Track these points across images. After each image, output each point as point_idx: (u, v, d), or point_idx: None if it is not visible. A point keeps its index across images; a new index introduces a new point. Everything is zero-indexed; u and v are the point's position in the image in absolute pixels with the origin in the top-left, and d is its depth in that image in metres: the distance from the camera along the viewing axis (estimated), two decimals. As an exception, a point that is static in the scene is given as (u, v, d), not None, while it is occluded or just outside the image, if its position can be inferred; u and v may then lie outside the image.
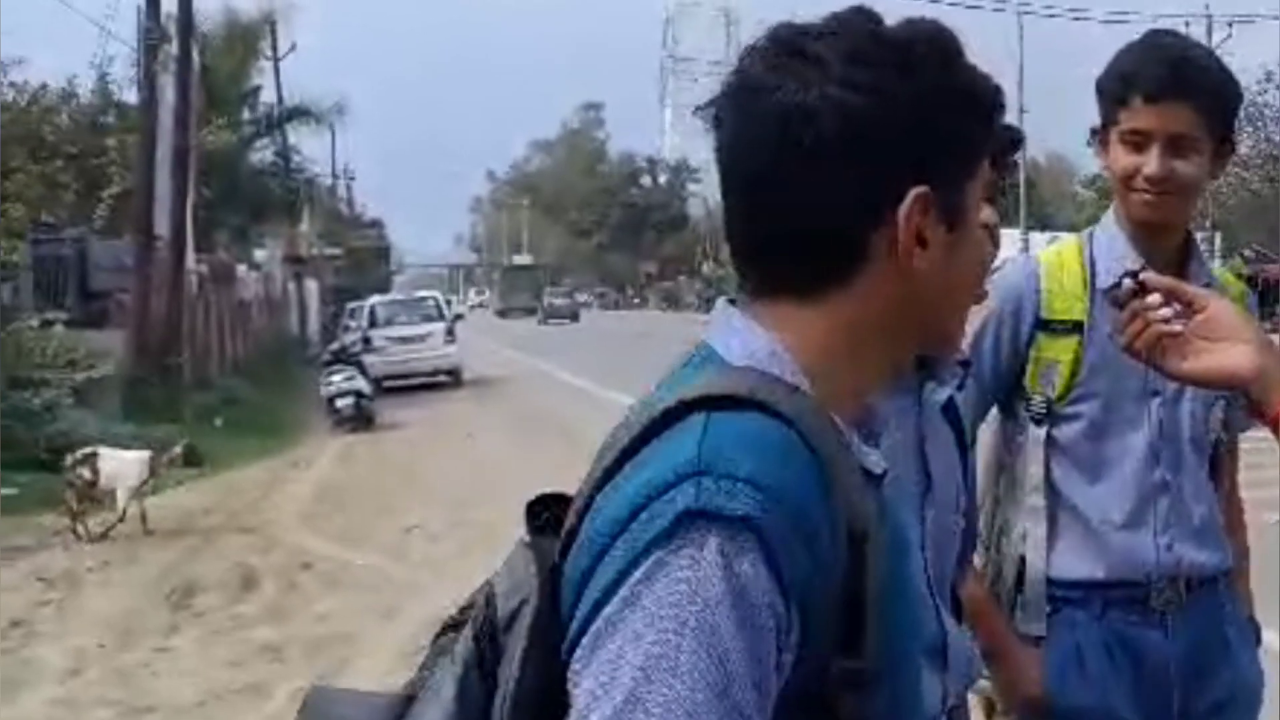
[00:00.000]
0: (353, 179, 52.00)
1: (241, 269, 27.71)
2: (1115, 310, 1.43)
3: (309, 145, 41.26)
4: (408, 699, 1.00)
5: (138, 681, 6.24)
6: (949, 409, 1.63)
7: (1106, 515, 2.05)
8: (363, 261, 43.41)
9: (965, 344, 2.08)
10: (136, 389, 15.65)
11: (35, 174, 16.78)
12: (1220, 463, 2.15)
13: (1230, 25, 36.96)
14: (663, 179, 79.25)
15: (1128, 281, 1.38)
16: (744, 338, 0.99)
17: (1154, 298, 1.34)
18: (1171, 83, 1.93)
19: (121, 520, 9.64)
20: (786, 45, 0.99)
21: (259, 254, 31.01)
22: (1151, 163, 1.95)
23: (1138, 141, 1.97)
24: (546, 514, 0.98)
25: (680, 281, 69.08)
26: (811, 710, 0.90)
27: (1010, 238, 30.39)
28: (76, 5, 23.42)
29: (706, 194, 66.21)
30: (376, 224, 55.92)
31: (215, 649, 6.72)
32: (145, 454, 9.97)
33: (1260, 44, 34.38)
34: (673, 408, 0.92)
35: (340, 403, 16.78)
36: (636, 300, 72.40)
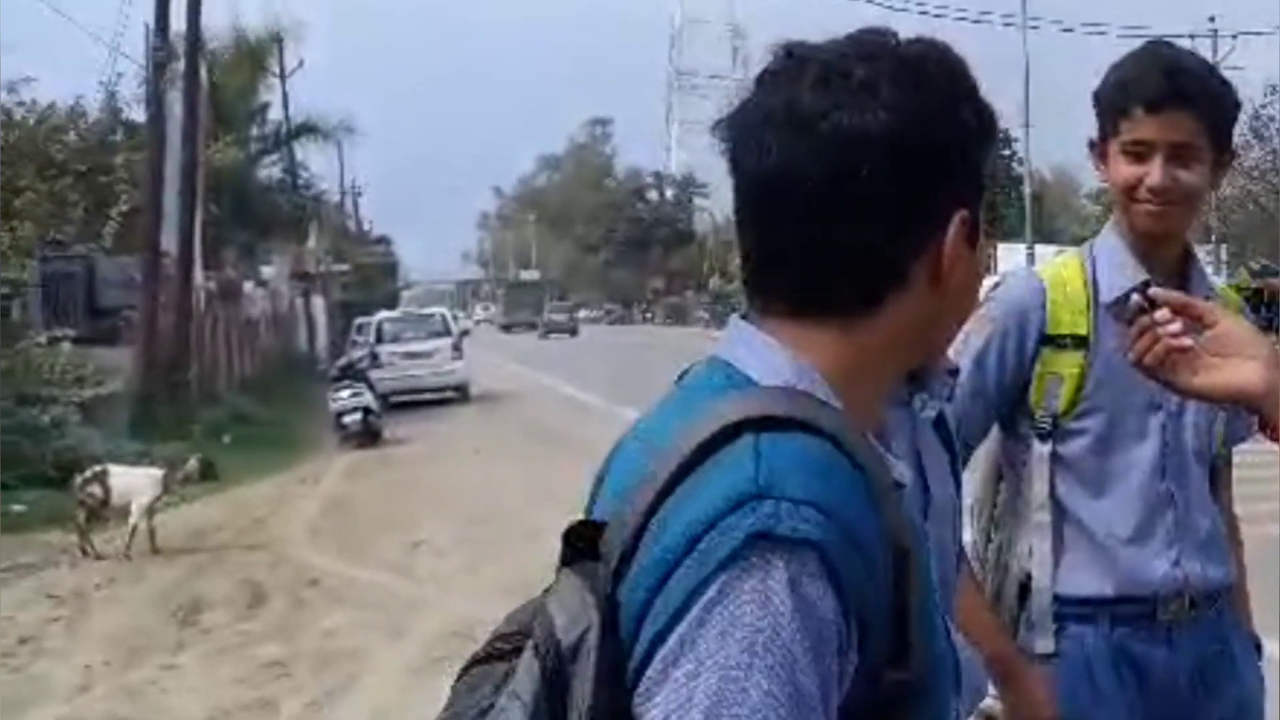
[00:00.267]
0: (360, 195, 52.25)
1: (249, 286, 27.78)
2: (1122, 325, 1.41)
3: (316, 162, 41.50)
4: None
5: (145, 699, 6.23)
6: (939, 423, 1.64)
7: (1113, 530, 2.04)
8: (370, 278, 43.49)
9: (952, 352, 2.08)
10: (144, 406, 15.69)
11: (43, 192, 16.84)
12: (1219, 476, 2.14)
13: (1235, 39, 36.98)
14: (669, 194, 79.33)
15: (1136, 297, 1.37)
16: (768, 356, 1.00)
17: (1163, 313, 1.33)
18: (1172, 92, 1.92)
19: (131, 537, 9.64)
20: (829, 69, 0.98)
21: (266, 270, 31.09)
22: (1154, 173, 1.94)
23: (1139, 152, 1.96)
24: (582, 542, 0.97)
25: (687, 296, 69.13)
26: None
27: (1016, 252, 30.34)
28: (84, 24, 23.58)
29: (713, 209, 66.34)
30: (384, 240, 56.09)
31: (223, 666, 6.71)
32: (159, 471, 9.98)
33: (1265, 57, 34.33)
34: (720, 430, 0.93)
35: (348, 419, 16.78)
36: (651, 316, 72.22)
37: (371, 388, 17.89)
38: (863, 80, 0.97)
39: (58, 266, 17.57)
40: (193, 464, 10.29)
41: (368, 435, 16.68)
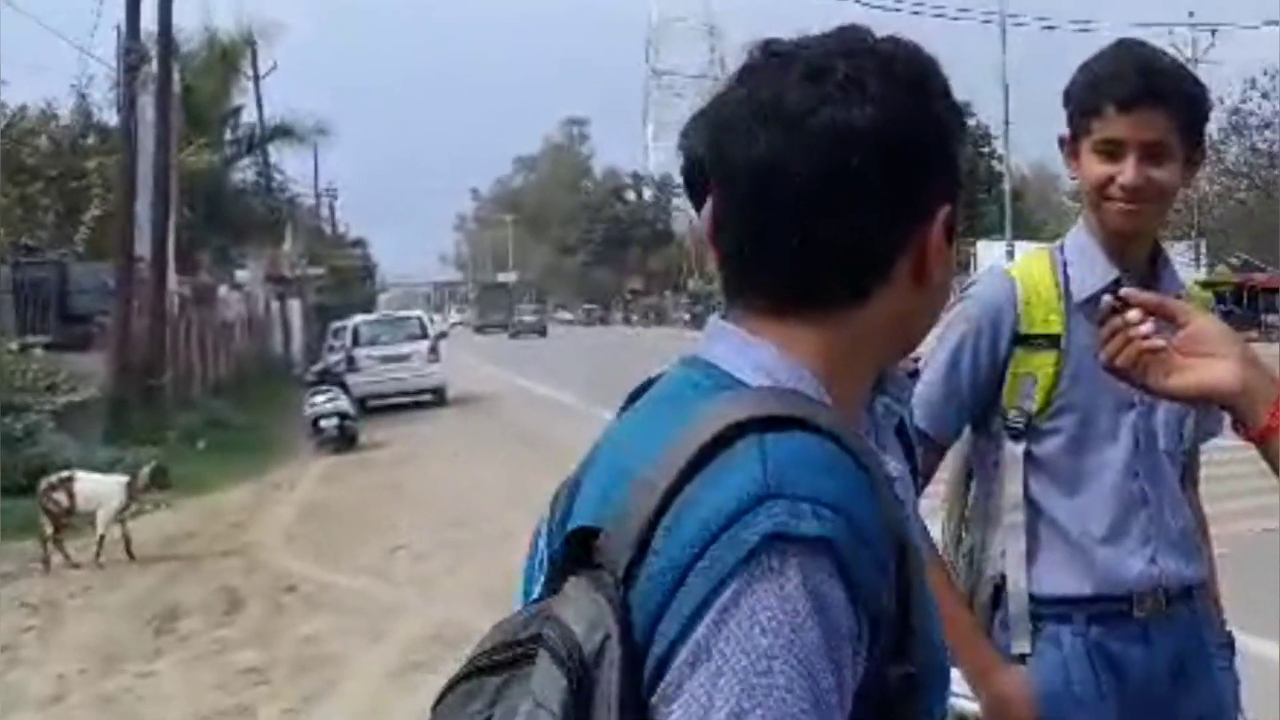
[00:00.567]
0: (335, 198, 52.03)
1: (224, 290, 27.63)
2: (1094, 325, 1.41)
3: (291, 164, 41.13)
4: None
5: (121, 707, 6.18)
6: (900, 429, 1.64)
7: (1087, 529, 2.03)
8: (346, 281, 43.33)
9: (924, 349, 2.07)
10: (118, 412, 15.57)
11: (14, 197, 16.73)
12: (1189, 473, 2.15)
13: (1213, 33, 37.20)
14: (647, 194, 79.33)
15: (1107, 298, 1.36)
16: (755, 356, 0.99)
17: (1134, 313, 1.32)
18: (1146, 90, 1.92)
19: (101, 545, 9.55)
20: (814, 65, 0.98)
21: (241, 274, 30.91)
22: (1127, 171, 1.94)
23: (1111, 150, 1.95)
24: (581, 547, 0.95)
25: (666, 297, 69.22)
26: (871, 716, 0.92)
27: (995, 248, 30.46)
28: (55, 27, 23.40)
29: (691, 209, 66.11)
30: (360, 243, 55.93)
31: (199, 673, 6.66)
32: (123, 478, 9.89)
33: (1244, 52, 34.61)
34: (722, 432, 0.92)
35: (324, 423, 16.73)
36: (636, 317, 72.48)
37: (347, 392, 17.84)
38: (848, 76, 0.97)
39: (29, 272, 17.43)
40: (144, 471, 10.10)
41: (344, 440, 16.63)
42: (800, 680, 0.86)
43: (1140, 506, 2.04)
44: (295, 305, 35.22)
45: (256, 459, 15.71)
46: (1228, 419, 1.33)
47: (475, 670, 0.96)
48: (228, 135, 29.37)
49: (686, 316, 56.29)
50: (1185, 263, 33.17)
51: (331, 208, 51.77)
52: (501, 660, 0.95)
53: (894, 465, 1.04)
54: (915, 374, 1.59)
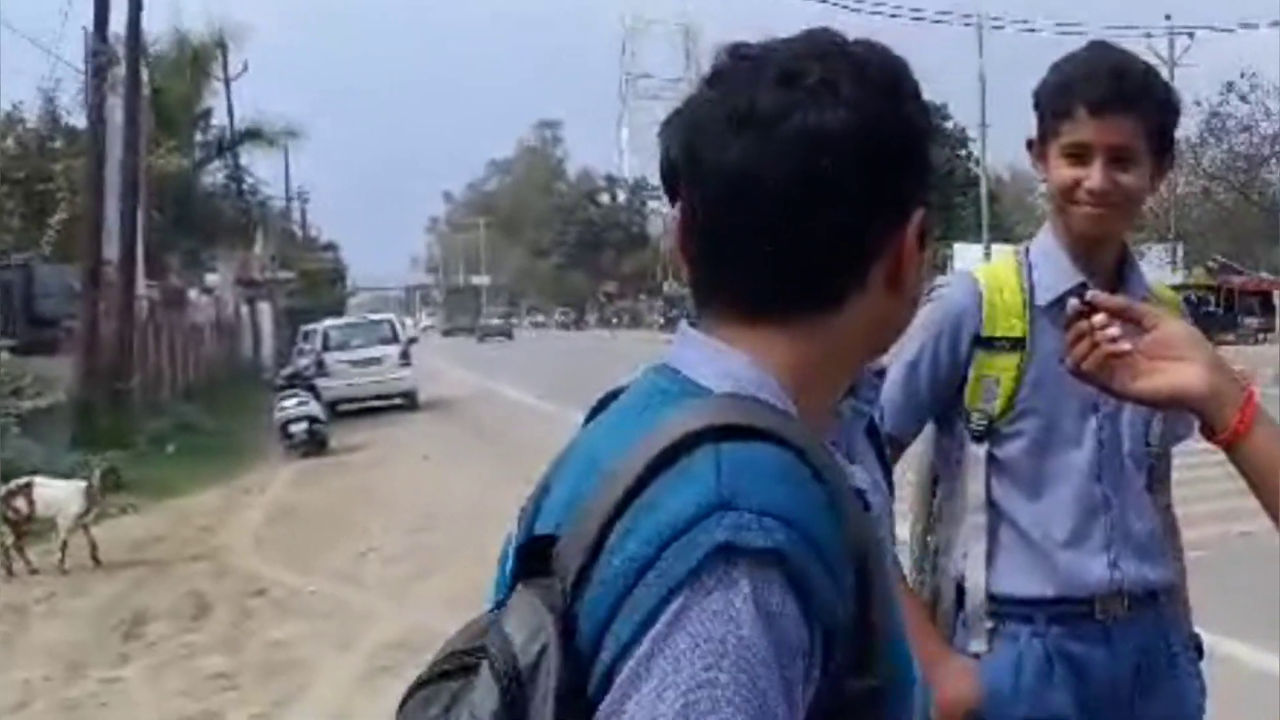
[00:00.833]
0: (307, 201, 51.75)
1: (194, 293, 27.45)
2: (1060, 329, 1.40)
3: (262, 168, 41.01)
4: None
5: (85, 713, 6.12)
6: (870, 430, 1.64)
7: (1050, 533, 2.03)
8: (317, 284, 43.12)
9: (905, 354, 2.04)
10: (85, 417, 15.43)
11: (-20, 199, 16.53)
12: (1157, 476, 2.14)
13: (1191, 36, 37.39)
14: (621, 197, 79.24)
15: (1074, 301, 1.35)
16: (723, 363, 0.98)
17: (1100, 318, 1.31)
18: (1115, 94, 1.91)
19: (64, 551, 9.46)
20: (787, 68, 0.97)
21: (211, 278, 30.73)
22: (1094, 176, 1.93)
23: (1079, 154, 1.94)
24: (534, 556, 0.94)
25: (641, 300, 69.22)
26: None
27: (972, 251, 30.60)
28: (21, 28, 23.19)
29: (666, 212, 66.07)
30: (331, 246, 55.71)
31: (167, 679, 6.60)
32: (82, 483, 9.79)
33: (1222, 55, 34.83)
34: (679, 440, 0.91)
35: (293, 428, 16.64)
36: (616, 320, 72.65)
37: (318, 396, 17.76)
38: (821, 79, 0.96)
39: (-5, 275, 17.26)
40: (95, 474, 9.91)
41: (314, 444, 16.55)
42: (746, 695, 0.85)
43: (1103, 510, 2.04)
44: (265, 309, 35.02)
45: (226, 463, 15.61)
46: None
47: (434, 676, 0.96)
48: (198, 138, 29.22)
49: (661, 320, 56.43)
50: (1163, 265, 33.41)
51: (303, 211, 51.54)
52: (453, 668, 0.94)
53: (861, 476, 1.02)
54: (882, 373, 1.59)
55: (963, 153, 45.63)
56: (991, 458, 2.05)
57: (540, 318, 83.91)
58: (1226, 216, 34.33)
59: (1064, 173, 1.96)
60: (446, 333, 74.54)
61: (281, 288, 38.05)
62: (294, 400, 17.06)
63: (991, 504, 2.06)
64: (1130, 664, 2.05)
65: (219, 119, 31.43)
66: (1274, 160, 33.28)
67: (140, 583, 9.06)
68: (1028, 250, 2.09)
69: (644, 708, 0.85)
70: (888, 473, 1.62)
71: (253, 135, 29.86)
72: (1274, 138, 32.79)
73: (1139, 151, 1.94)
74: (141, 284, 19.35)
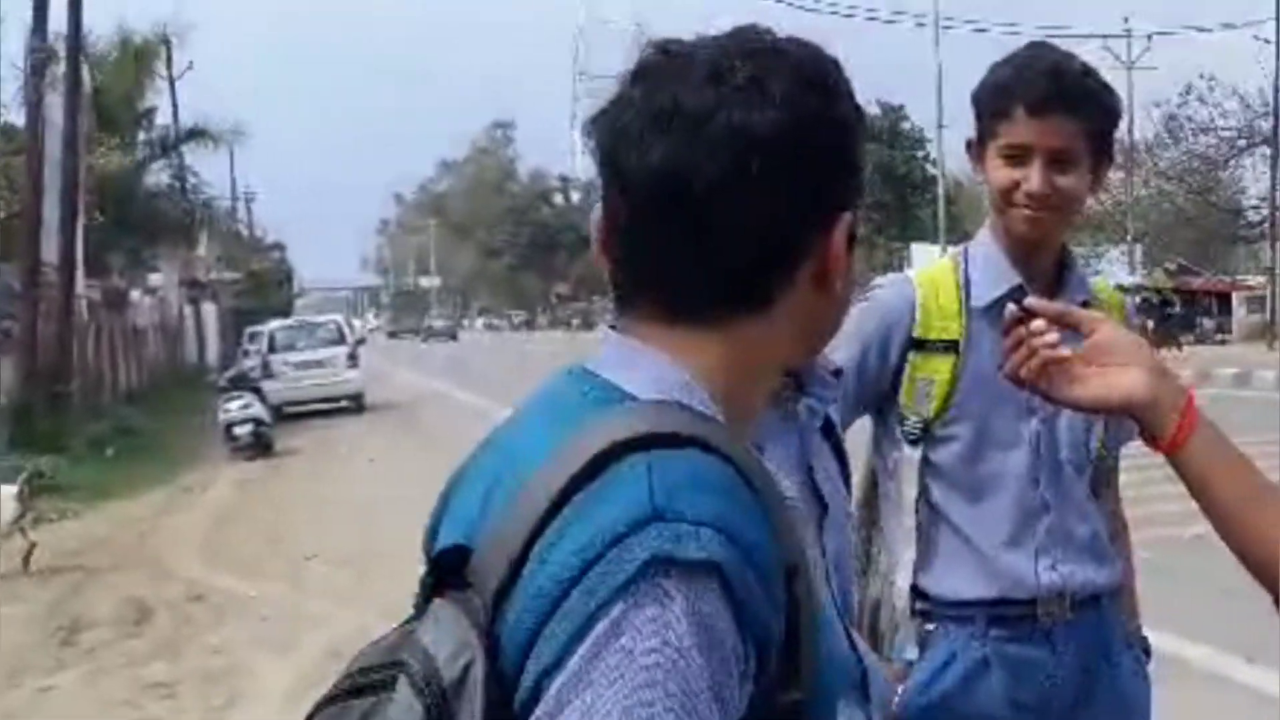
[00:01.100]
0: (253, 201, 51.21)
1: (136, 294, 27.05)
2: (998, 335, 1.37)
3: (208, 167, 40.52)
4: None
5: (20, 722, 6.02)
6: (828, 429, 1.63)
7: (988, 537, 2.02)
8: (264, 285, 42.63)
9: (837, 355, 2.06)
10: (24, 420, 15.17)
11: (-85, 199, 16.21)
12: (1102, 479, 2.13)
13: (1149, 38, 37.67)
14: (575, 198, 78.98)
15: (1011, 307, 1.32)
16: (647, 367, 0.95)
17: (1038, 323, 1.28)
18: (1054, 95, 1.88)
19: (-5, 556, 9.30)
20: (714, 66, 0.95)
21: (155, 278, 30.31)
22: (1033, 178, 1.90)
23: (1018, 155, 1.91)
24: (447, 568, 0.91)
25: (594, 302, 69.08)
26: None
27: (930, 252, 30.80)
28: (-41, 24, 22.70)
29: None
30: (278, 247, 55.14)
31: (104, 686, 6.50)
32: (13, 488, 9.61)
33: (1181, 57, 35.13)
34: (608, 449, 0.88)
35: (238, 430, 16.46)
36: (570, 323, 72.61)
37: (263, 398, 17.56)
38: (750, 77, 0.94)
39: (-69, 275, 16.93)
40: (21, 478, 9.69)
41: (259, 447, 16.37)
42: (681, 713, 0.82)
43: (1042, 514, 2.02)
44: (211, 310, 34.63)
45: (167, 466, 15.40)
46: None
47: (343, 692, 0.92)
48: (141, 136, 28.79)
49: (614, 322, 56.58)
50: (1121, 267, 33.73)
51: (249, 211, 51.00)
52: (362, 684, 0.91)
53: (788, 485, 1.01)
54: (839, 373, 1.58)
55: (920, 154, 45.93)
56: (927, 461, 2.04)
57: (494, 320, 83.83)
58: (1185, 218, 34.35)
59: (1002, 174, 1.94)
60: (392, 334, 75.97)
61: (227, 288, 37.62)
62: (238, 402, 16.87)
63: (931, 507, 2.05)
64: (1074, 666, 2.04)
65: (164, 118, 31.05)
66: (1232, 162, 33.45)
67: (77, 589, 8.91)
68: (966, 252, 2.07)
69: None
70: (845, 470, 1.62)
71: (198, 134, 29.45)
72: (1232, 139, 32.91)
73: (1079, 153, 1.92)
74: (82, 284, 19.07)
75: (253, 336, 25.40)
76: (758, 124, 0.93)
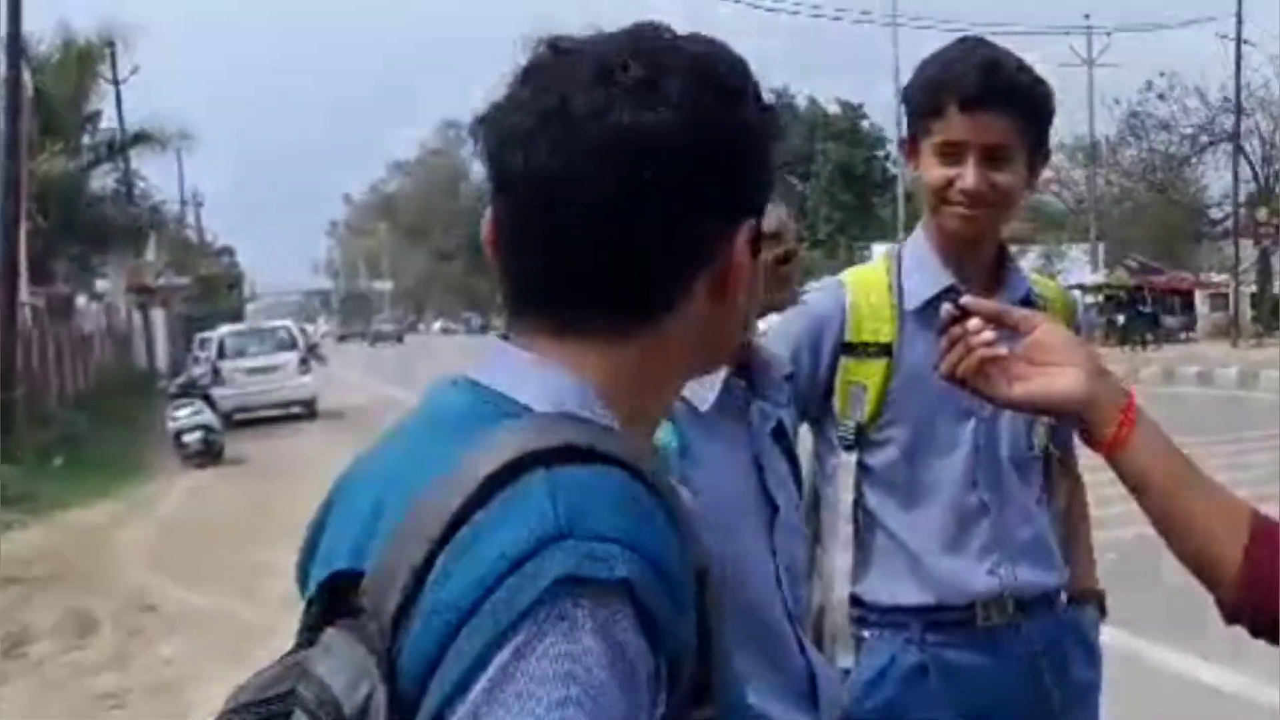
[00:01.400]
0: (202, 205, 50.56)
1: (82, 300, 26.64)
2: (933, 335, 1.34)
3: (155, 171, 39.95)
4: None
5: (-36, 738, 5.94)
6: (779, 432, 1.62)
7: (926, 541, 1.99)
8: (214, 290, 42.20)
9: (788, 357, 1.94)
10: (-34, 429, 14.89)
11: None
12: (1052, 478, 2.10)
13: (1109, 35, 37.89)
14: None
15: (946, 307, 1.29)
16: (541, 379, 0.91)
17: (974, 322, 1.26)
18: (987, 91, 1.85)
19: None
20: (604, 65, 0.90)
21: (102, 284, 29.86)
22: (968, 175, 1.87)
23: (952, 152, 1.88)
24: (339, 593, 0.87)
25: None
26: None
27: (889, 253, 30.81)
28: (-103, 26, 22.24)
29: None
30: (228, 251, 54.58)
31: (51, 698, 6.42)
32: None
33: (1142, 54, 35.27)
34: (507, 464, 0.83)
35: (187, 438, 16.29)
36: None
37: (213, 405, 17.38)
38: (642, 77, 0.89)
39: None
40: None
41: (209, 454, 16.21)
42: None
43: (981, 516, 2.00)
44: (160, 315, 34.16)
45: (116, 475, 15.18)
46: None
47: None
48: (86, 140, 28.33)
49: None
50: (1083, 265, 33.87)
51: (198, 215, 50.33)
52: (255, 718, 0.88)
53: (687, 494, 1.00)
54: (791, 376, 1.58)
55: (880, 153, 46.14)
56: (863, 466, 2.02)
57: (450, 323, 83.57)
58: (1147, 216, 34.26)
59: (937, 172, 1.91)
60: (342, 338, 76.59)
61: (176, 294, 37.12)
62: (188, 409, 16.70)
63: (866, 512, 2.03)
64: (1020, 669, 2.01)
65: (109, 121, 30.58)
66: (1194, 159, 33.46)
67: (24, 600, 8.78)
68: (899, 252, 2.04)
69: None
70: (796, 474, 1.62)
71: (144, 138, 29.02)
72: (1194, 137, 32.91)
73: (1014, 149, 1.88)
74: (25, 291, 18.73)
75: (203, 343, 25.10)
76: (650, 125, 0.88)
